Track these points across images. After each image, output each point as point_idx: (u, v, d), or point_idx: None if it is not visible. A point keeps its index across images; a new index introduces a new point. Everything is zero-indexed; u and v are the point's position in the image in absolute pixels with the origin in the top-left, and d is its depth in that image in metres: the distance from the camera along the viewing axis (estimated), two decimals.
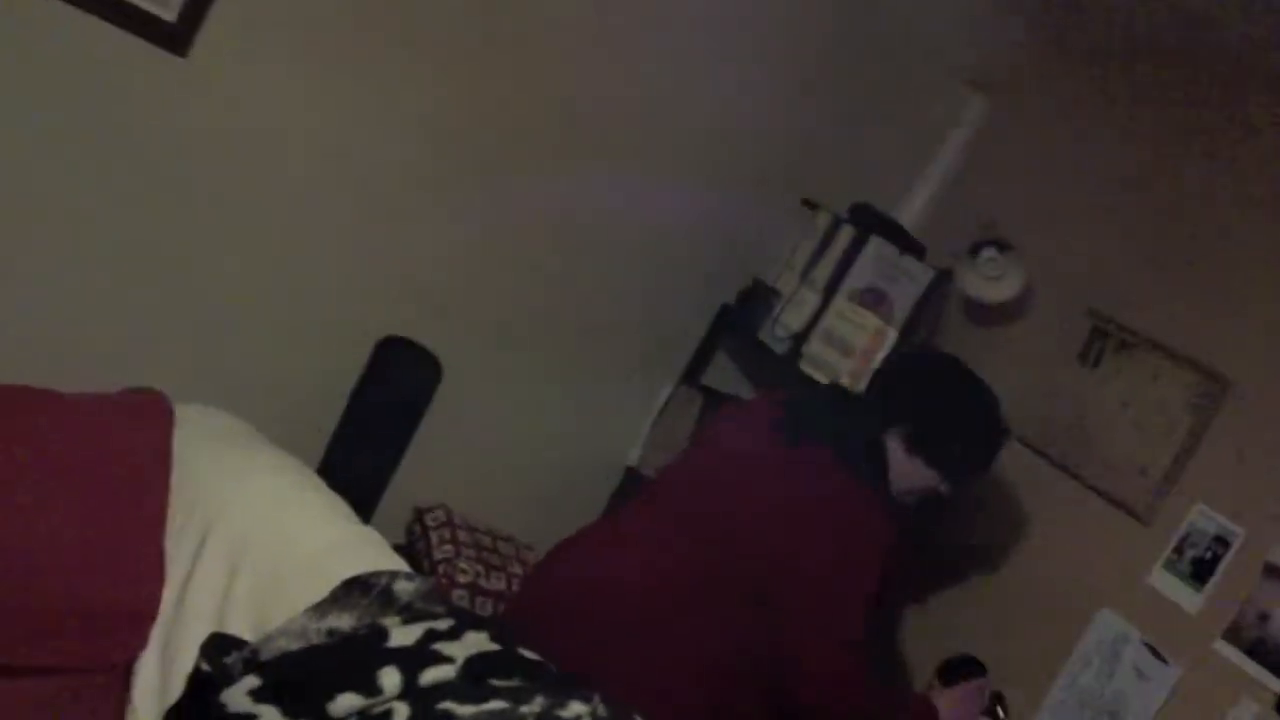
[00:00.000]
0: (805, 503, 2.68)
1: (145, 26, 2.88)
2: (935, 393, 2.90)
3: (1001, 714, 2.98)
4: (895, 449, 2.83)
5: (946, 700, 2.85)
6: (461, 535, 3.45)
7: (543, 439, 3.04)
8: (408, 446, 3.34)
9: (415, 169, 3.33)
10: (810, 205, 3.77)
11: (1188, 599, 3.01)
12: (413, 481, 3.51)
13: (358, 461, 3.27)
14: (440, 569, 3.33)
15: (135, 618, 2.31)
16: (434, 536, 3.45)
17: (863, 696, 2.63)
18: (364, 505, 3.05)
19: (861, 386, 3.40)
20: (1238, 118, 3.33)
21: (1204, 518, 3.03)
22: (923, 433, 2.82)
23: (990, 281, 3.53)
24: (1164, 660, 2.99)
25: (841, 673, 2.61)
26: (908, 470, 2.83)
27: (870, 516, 2.68)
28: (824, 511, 2.66)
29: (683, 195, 3.64)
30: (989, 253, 3.51)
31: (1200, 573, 3.00)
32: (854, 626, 2.60)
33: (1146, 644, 3.04)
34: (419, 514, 3.53)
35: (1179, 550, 3.05)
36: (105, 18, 2.83)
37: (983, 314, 3.69)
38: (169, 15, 2.90)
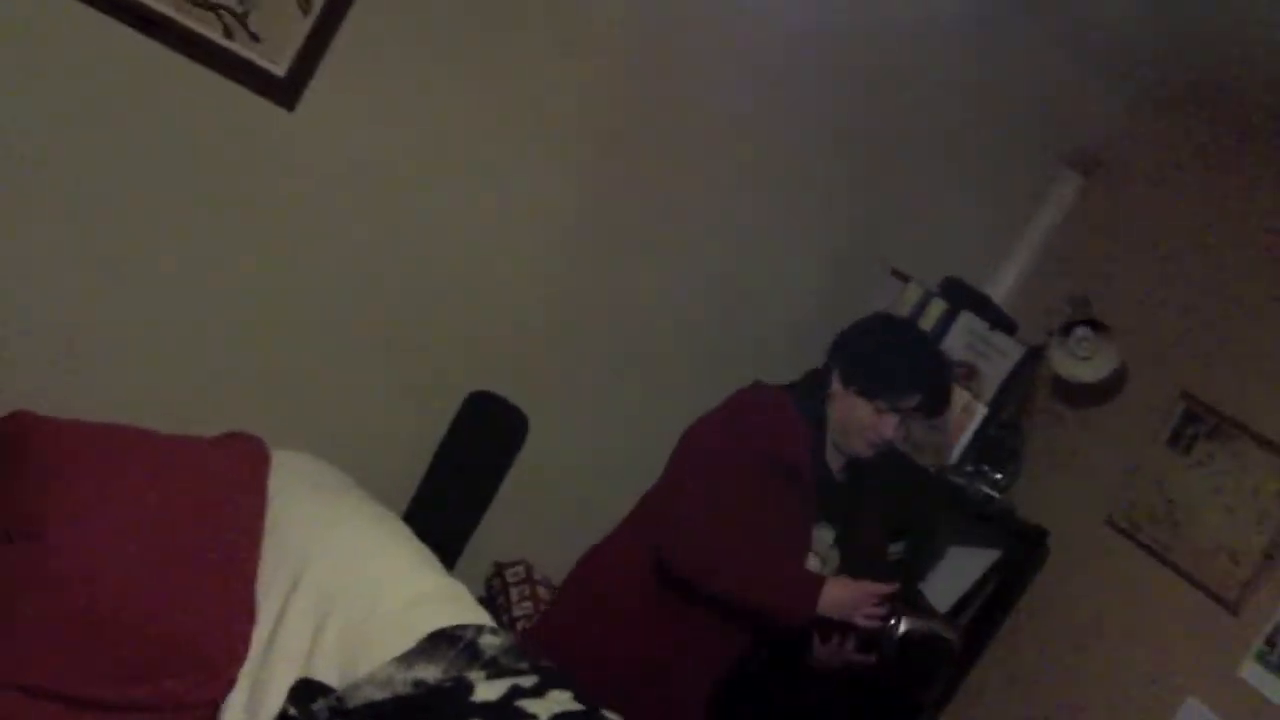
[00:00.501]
0: (718, 408, 2.86)
1: (256, 80, 2.95)
2: (865, 333, 2.92)
3: (898, 626, 2.75)
4: (836, 388, 2.85)
5: (838, 586, 2.72)
6: (541, 592, 3.45)
7: (626, 498, 3.03)
8: (491, 500, 3.35)
9: (511, 228, 3.37)
10: (901, 277, 3.76)
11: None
12: (494, 535, 3.52)
13: (442, 513, 3.29)
14: (519, 625, 3.33)
15: (225, 659, 2.33)
16: (514, 592, 3.45)
17: (717, 568, 2.69)
18: (447, 557, 3.06)
19: (951, 460, 3.39)
20: None
21: None
22: (853, 366, 2.84)
23: (1082, 361, 3.50)
24: None
25: (692, 548, 2.70)
26: (847, 405, 2.82)
27: (769, 419, 2.81)
28: (724, 407, 2.84)
29: (778, 262, 3.67)
30: (1082, 332, 3.48)
31: None
32: (694, 500, 2.73)
33: None
34: (499, 569, 3.54)
35: (1271, 642, 2.98)
36: (219, 70, 2.91)
37: (1073, 393, 3.65)
38: (278, 70, 2.97)
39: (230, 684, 2.33)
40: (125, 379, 2.99)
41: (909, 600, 3.35)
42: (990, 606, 3.60)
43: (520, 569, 3.53)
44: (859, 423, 2.81)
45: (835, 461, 2.89)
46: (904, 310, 3.69)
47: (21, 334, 2.89)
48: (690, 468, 2.79)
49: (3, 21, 2.70)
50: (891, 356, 2.84)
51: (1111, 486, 3.50)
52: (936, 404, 2.86)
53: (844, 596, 2.67)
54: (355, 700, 2.10)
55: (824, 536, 2.86)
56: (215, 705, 2.33)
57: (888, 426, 2.79)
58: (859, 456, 2.86)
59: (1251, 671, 3.00)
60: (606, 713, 2.23)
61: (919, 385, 2.80)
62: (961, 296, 3.65)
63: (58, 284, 2.91)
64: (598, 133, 3.38)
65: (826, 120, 3.65)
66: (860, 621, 2.67)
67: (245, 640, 2.35)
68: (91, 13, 2.74)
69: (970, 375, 3.53)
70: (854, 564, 2.97)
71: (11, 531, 2.23)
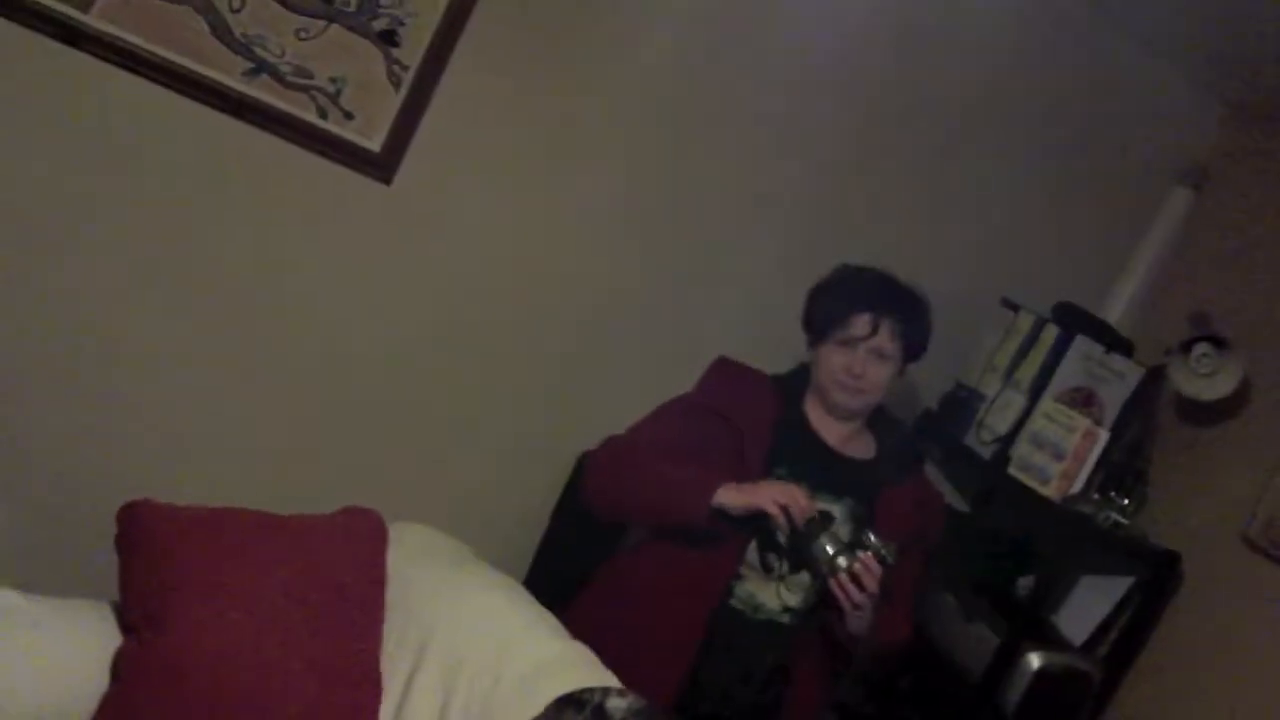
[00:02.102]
0: None
1: (352, 157, 2.99)
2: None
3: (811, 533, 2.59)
4: (808, 356, 2.88)
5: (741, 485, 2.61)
6: None
7: None
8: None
9: (613, 289, 3.39)
10: (1011, 306, 3.70)
11: None
12: None
13: (563, 576, 3.27)
14: None
15: None
16: None
17: (614, 486, 2.76)
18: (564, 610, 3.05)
19: (1076, 490, 3.32)
20: None
21: None
22: (806, 321, 2.89)
23: (1204, 379, 3.41)
24: None
25: (604, 455, 2.83)
26: (817, 362, 2.84)
27: (725, 372, 2.91)
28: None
29: None
30: (1202, 349, 3.39)
31: None
32: (644, 421, 2.87)
33: None
34: None
35: None
36: (315, 150, 2.95)
37: (1198, 412, 3.56)
38: (374, 146, 3.01)
39: None
40: (235, 463, 3.05)
41: (1042, 637, 3.28)
42: (1127, 635, 3.51)
43: None
44: (828, 368, 2.78)
45: (835, 433, 2.84)
46: (1017, 339, 3.63)
47: (133, 424, 2.96)
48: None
49: (105, 115, 2.77)
50: (828, 292, 2.84)
51: (1243, 503, 3.41)
52: (899, 320, 2.79)
53: (745, 486, 2.58)
54: None
55: (832, 509, 2.75)
56: None
57: (853, 360, 2.75)
58: (844, 406, 2.82)
59: None
60: None
61: (859, 303, 2.76)
62: (1075, 321, 3.58)
63: (166, 373, 2.97)
64: (698, 182, 3.40)
65: (927, 150, 3.63)
66: (766, 504, 2.53)
67: (373, 717, 2.35)
68: (187, 103, 2.80)
69: (1090, 400, 3.46)
70: (979, 602, 2.92)
71: (136, 624, 2.25)
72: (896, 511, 2.78)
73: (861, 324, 2.76)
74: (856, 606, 2.55)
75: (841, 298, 2.81)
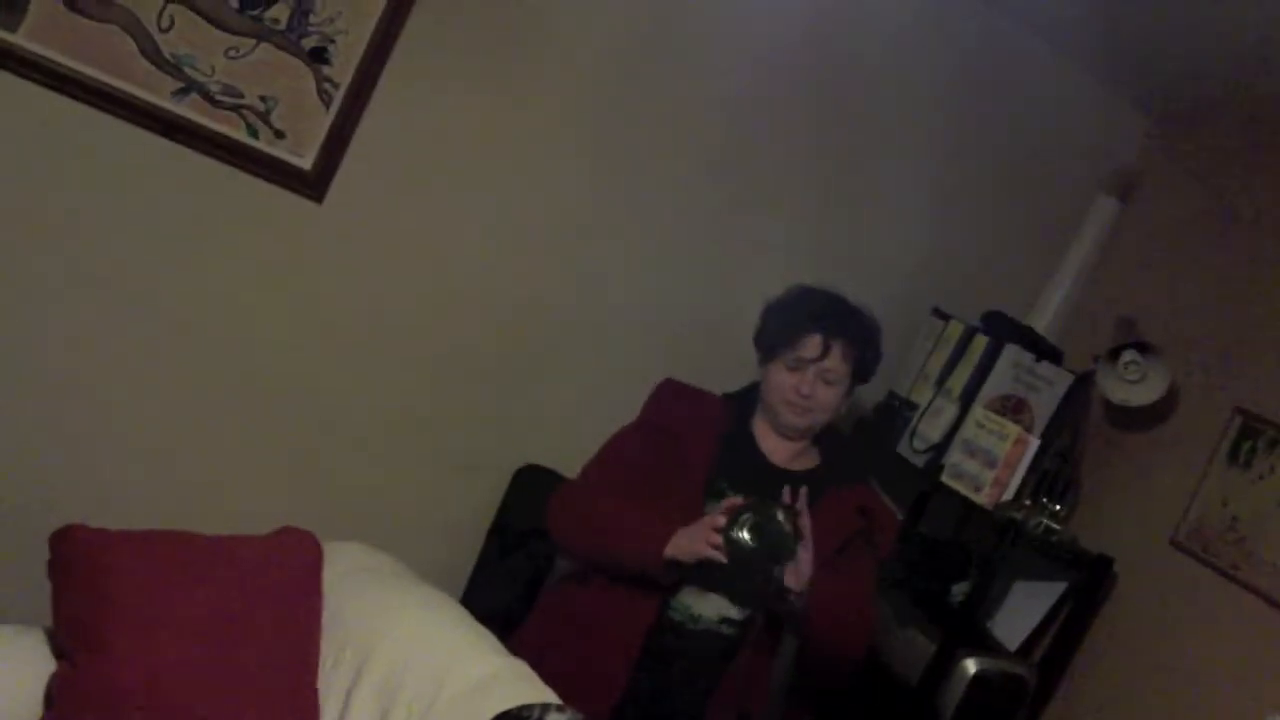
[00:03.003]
0: None
1: (283, 175, 2.99)
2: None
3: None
4: (759, 375, 2.91)
5: (683, 530, 2.63)
6: None
7: None
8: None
9: (548, 303, 3.39)
10: (941, 315, 3.74)
11: None
12: None
13: (501, 592, 3.27)
14: None
15: None
16: None
17: (578, 532, 2.79)
18: (509, 636, 3.05)
19: (1008, 497, 3.36)
20: None
21: None
22: (758, 341, 2.92)
23: (1132, 385, 3.46)
24: None
25: (559, 505, 2.85)
26: (766, 379, 2.86)
27: (669, 393, 2.94)
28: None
29: None
30: (1130, 355, 3.45)
31: None
32: (595, 461, 2.90)
33: None
34: None
35: None
36: (246, 169, 2.95)
37: (1127, 417, 3.62)
38: (305, 164, 3.00)
39: None
40: (168, 484, 3.03)
41: (977, 643, 3.31)
42: (1062, 639, 3.55)
43: None
44: (777, 388, 2.80)
45: (781, 451, 2.86)
46: (948, 349, 3.67)
47: (63, 447, 2.93)
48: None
49: (33, 136, 2.75)
50: (781, 311, 2.86)
51: (1173, 508, 3.46)
52: (850, 343, 2.81)
53: (685, 533, 2.60)
54: None
55: None
56: None
57: (801, 381, 2.77)
58: (792, 426, 2.83)
59: None
60: None
61: (811, 324, 2.78)
62: (1004, 330, 3.63)
63: (95, 395, 2.95)
64: (625, 197, 3.41)
65: (859, 165, 3.67)
66: (705, 550, 2.56)
67: None
68: (117, 123, 2.79)
69: (1020, 408, 3.50)
70: (914, 607, 2.94)
71: (71, 649, 2.23)
72: (837, 512, 2.79)
73: (812, 345, 2.77)
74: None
75: (793, 318, 2.83)
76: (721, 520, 2.55)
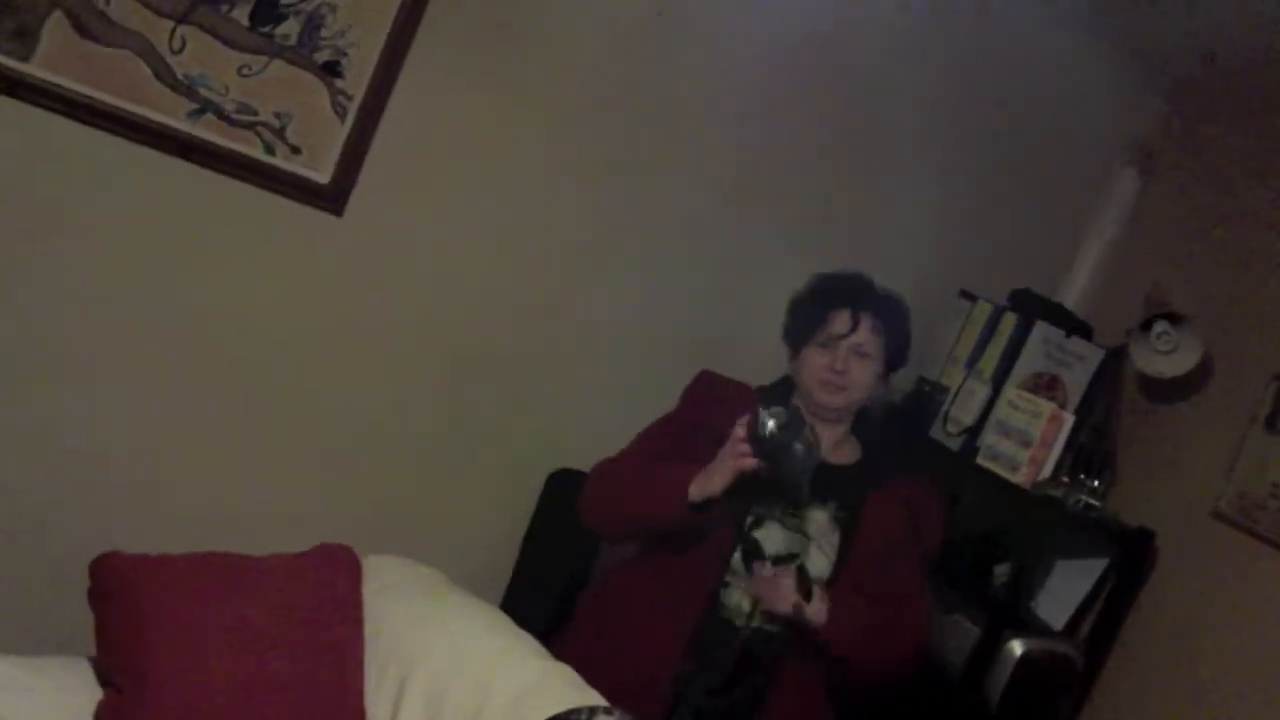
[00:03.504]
0: None
1: (301, 191, 2.99)
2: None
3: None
4: (790, 364, 2.90)
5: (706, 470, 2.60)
6: None
7: None
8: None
9: (578, 308, 3.39)
10: (968, 296, 3.71)
11: None
12: None
13: (541, 597, 3.27)
14: None
15: None
16: None
17: (605, 499, 2.78)
18: (551, 640, 3.05)
19: (1045, 476, 3.34)
20: None
21: None
22: (787, 329, 2.91)
23: (1165, 356, 3.43)
24: None
25: (591, 475, 2.85)
26: (798, 367, 2.84)
27: (704, 385, 2.92)
28: None
29: None
30: (1161, 326, 3.42)
31: None
32: (635, 441, 2.86)
33: None
34: None
35: None
36: (264, 186, 2.95)
37: (1161, 389, 3.59)
38: (322, 178, 3.00)
39: None
40: (202, 506, 3.04)
41: (1022, 624, 3.29)
42: (1106, 617, 3.53)
43: None
44: (811, 371, 2.78)
45: (825, 440, 2.80)
46: (976, 330, 3.65)
47: (98, 472, 2.94)
48: None
49: (49, 163, 2.75)
50: (806, 298, 2.86)
51: (1213, 478, 3.43)
52: (877, 317, 2.79)
53: (710, 467, 2.57)
54: None
55: (816, 516, 2.76)
56: None
57: (834, 358, 2.76)
58: (829, 406, 2.80)
59: None
60: None
61: (836, 302, 2.78)
62: (1033, 307, 3.60)
63: (128, 419, 2.95)
64: (650, 196, 3.41)
65: (879, 151, 3.66)
66: (736, 464, 2.52)
67: None
68: (133, 146, 2.79)
69: (1053, 385, 3.48)
70: (956, 593, 2.92)
71: (115, 678, 2.23)
72: (884, 514, 2.78)
73: (841, 321, 2.77)
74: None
75: (819, 300, 2.82)
76: (743, 430, 2.53)
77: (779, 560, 2.69)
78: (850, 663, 2.69)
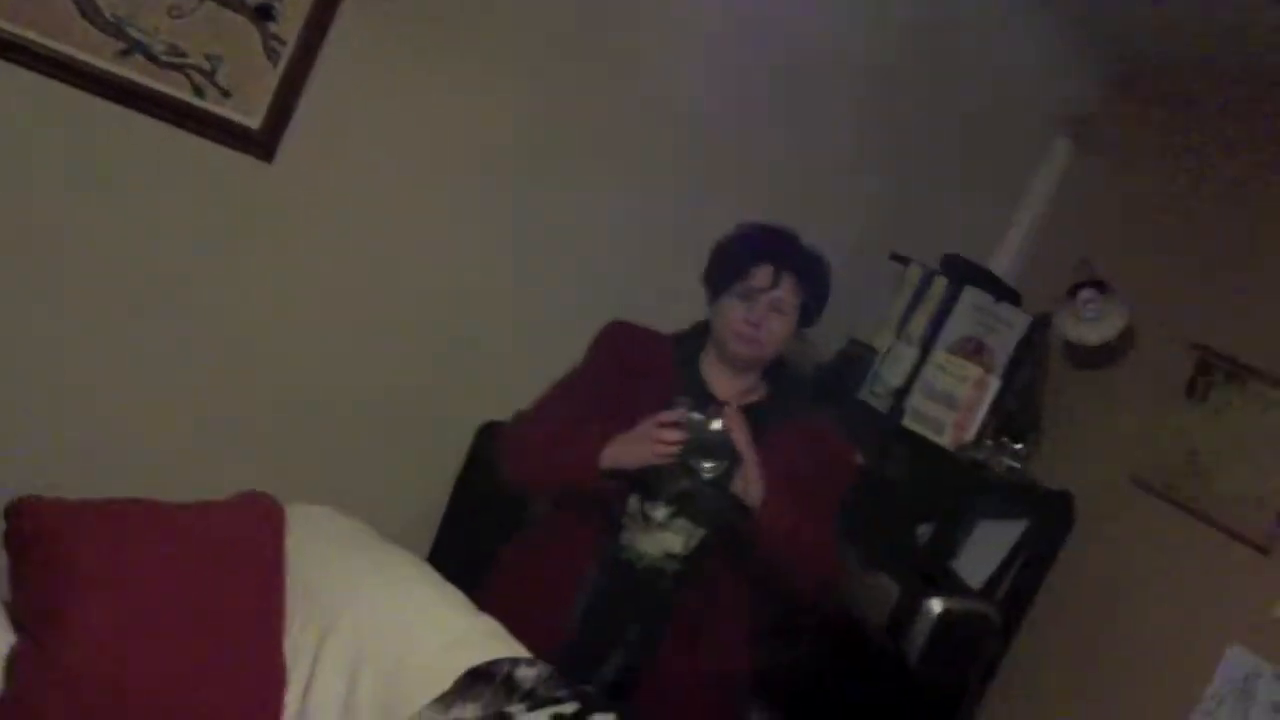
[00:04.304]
0: None
1: (231, 135, 2.94)
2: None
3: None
4: (708, 312, 2.85)
5: (619, 438, 2.61)
6: None
7: None
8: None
9: (506, 259, 3.38)
10: (900, 260, 3.74)
11: None
12: None
13: (467, 549, 3.27)
14: None
15: None
16: None
17: (520, 459, 2.75)
18: (476, 593, 3.05)
19: (969, 439, 3.38)
20: None
21: None
22: (707, 276, 2.85)
23: (1090, 323, 3.48)
24: None
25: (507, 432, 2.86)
26: (716, 315, 2.80)
27: (616, 332, 2.88)
28: None
29: None
30: (1087, 294, 3.46)
31: None
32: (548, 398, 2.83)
33: None
34: None
35: None
36: (193, 130, 2.90)
37: (1085, 356, 3.64)
38: (253, 123, 2.96)
39: None
40: (126, 452, 2.99)
41: (942, 584, 3.33)
42: (1024, 577, 3.59)
43: None
44: (726, 321, 2.76)
45: (729, 387, 2.82)
46: (907, 293, 3.68)
47: (17, 418, 2.89)
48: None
49: None
50: (731, 245, 2.83)
51: (1132, 444, 3.50)
52: (799, 276, 2.77)
53: (626, 439, 2.58)
54: None
55: None
56: None
57: (751, 311, 2.73)
58: (742, 357, 2.78)
59: None
60: None
61: (761, 256, 2.75)
62: (963, 272, 3.64)
63: (47, 365, 2.91)
64: (579, 147, 3.39)
65: (814, 110, 3.65)
66: (658, 453, 2.53)
67: (279, 704, 2.33)
68: (58, 86, 2.73)
69: (980, 350, 3.52)
70: (878, 551, 2.95)
71: (29, 623, 2.21)
72: (790, 441, 2.79)
73: (763, 275, 2.75)
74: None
75: (744, 251, 2.80)
76: (674, 432, 2.53)
77: (674, 500, 2.69)
78: (775, 563, 2.69)
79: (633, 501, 2.71)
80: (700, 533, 2.71)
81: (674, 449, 2.52)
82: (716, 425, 2.52)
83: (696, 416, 2.52)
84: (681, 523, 2.72)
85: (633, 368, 2.80)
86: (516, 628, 2.45)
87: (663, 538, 2.74)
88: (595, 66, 3.34)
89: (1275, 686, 2.96)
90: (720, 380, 2.86)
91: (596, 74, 3.35)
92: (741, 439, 2.56)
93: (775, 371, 2.93)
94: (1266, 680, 2.99)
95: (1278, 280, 3.31)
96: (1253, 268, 3.38)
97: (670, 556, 2.74)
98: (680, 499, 2.68)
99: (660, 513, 2.72)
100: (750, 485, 2.58)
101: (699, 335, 2.90)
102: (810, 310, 2.84)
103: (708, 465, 2.52)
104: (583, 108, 3.36)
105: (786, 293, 2.77)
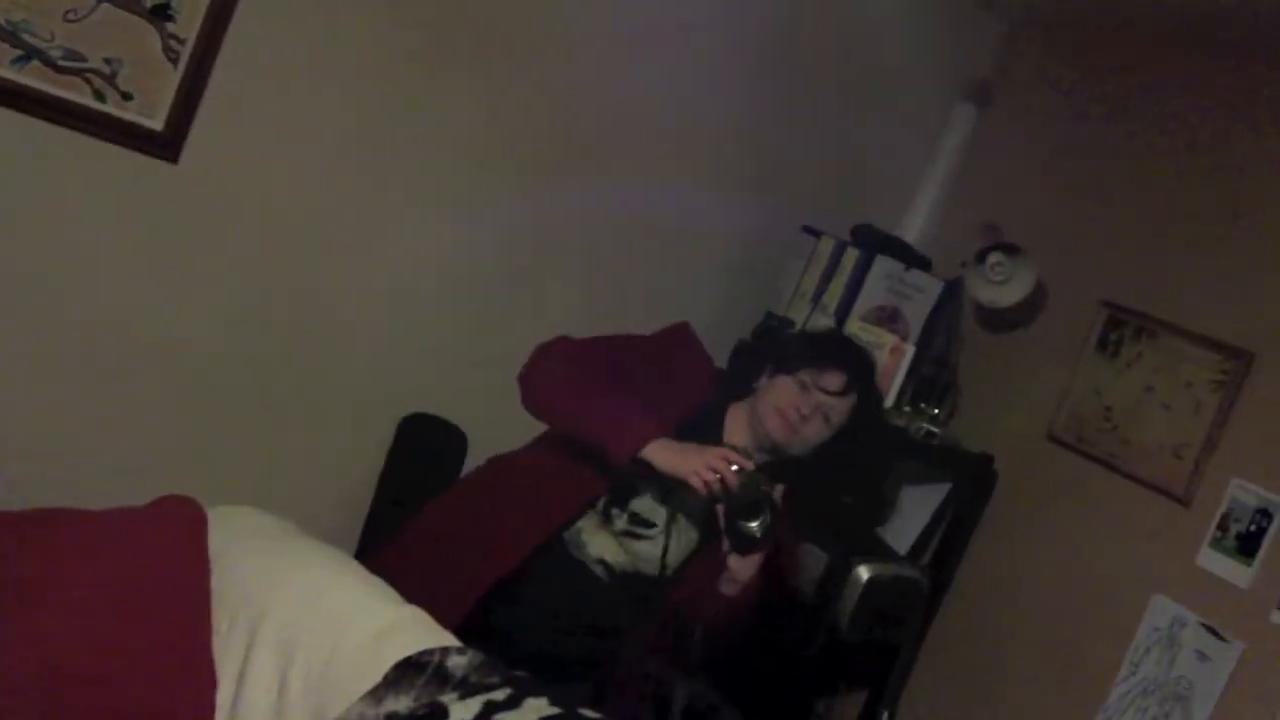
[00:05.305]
0: None
1: (134, 138, 2.92)
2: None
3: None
4: (763, 381, 2.86)
5: (672, 444, 2.61)
6: None
7: None
8: None
9: (423, 255, 3.37)
10: (812, 232, 3.77)
11: (1239, 575, 3.00)
12: None
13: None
14: None
15: None
16: None
17: (560, 392, 2.72)
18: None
19: (888, 405, 3.43)
20: (1241, 94, 3.34)
21: (1244, 492, 3.03)
22: (783, 350, 2.93)
23: (1000, 286, 3.53)
24: (1223, 639, 2.98)
25: (557, 353, 2.77)
26: (773, 387, 2.82)
27: (689, 346, 2.93)
28: None
29: (685, 231, 3.67)
30: (995, 257, 3.51)
31: (1247, 547, 2.99)
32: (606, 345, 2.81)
33: (1204, 625, 3.03)
34: None
35: (1223, 527, 3.05)
36: (96, 134, 2.88)
37: (997, 318, 3.69)
38: (156, 125, 2.94)
39: None
40: (40, 460, 2.97)
41: (870, 550, 3.37)
42: (949, 540, 3.64)
43: None
44: (777, 397, 2.78)
45: (741, 444, 2.81)
46: (821, 265, 3.71)
47: None
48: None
49: None
50: (819, 340, 2.95)
51: (1048, 402, 3.55)
52: (861, 400, 2.82)
53: (676, 448, 2.59)
54: None
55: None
56: None
57: (805, 401, 2.76)
58: (770, 437, 2.79)
59: (1208, 558, 3.08)
60: (584, 711, 2.23)
61: (841, 364, 2.79)
62: (874, 242, 3.68)
63: None
64: (486, 136, 3.39)
65: (719, 83, 3.66)
66: (693, 480, 2.55)
67: (210, 706, 2.31)
68: None
69: (894, 317, 3.56)
70: (806, 520, 2.97)
71: None
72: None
73: (836, 380, 2.78)
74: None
75: (829, 350, 2.85)
76: (738, 460, 2.56)
77: (637, 521, 2.73)
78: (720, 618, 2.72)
79: (601, 504, 2.74)
80: (641, 566, 2.74)
81: (715, 484, 2.53)
82: (772, 490, 2.55)
83: (758, 474, 2.56)
84: (631, 544, 2.74)
85: (675, 373, 2.80)
86: (423, 588, 2.45)
87: (606, 543, 2.75)
88: (522, 37, 3.35)
89: (1199, 633, 3.03)
90: (736, 434, 2.86)
91: (500, 53, 3.35)
92: (780, 525, 2.58)
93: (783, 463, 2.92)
94: (1191, 628, 3.05)
95: (1184, 234, 3.36)
96: (1157, 221, 3.44)
97: (602, 564, 2.76)
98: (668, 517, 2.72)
99: (619, 521, 2.74)
100: (746, 569, 2.61)
101: (741, 383, 2.91)
102: (843, 436, 2.84)
103: (749, 524, 2.54)
104: (488, 94, 3.36)
105: (843, 406, 2.78)
